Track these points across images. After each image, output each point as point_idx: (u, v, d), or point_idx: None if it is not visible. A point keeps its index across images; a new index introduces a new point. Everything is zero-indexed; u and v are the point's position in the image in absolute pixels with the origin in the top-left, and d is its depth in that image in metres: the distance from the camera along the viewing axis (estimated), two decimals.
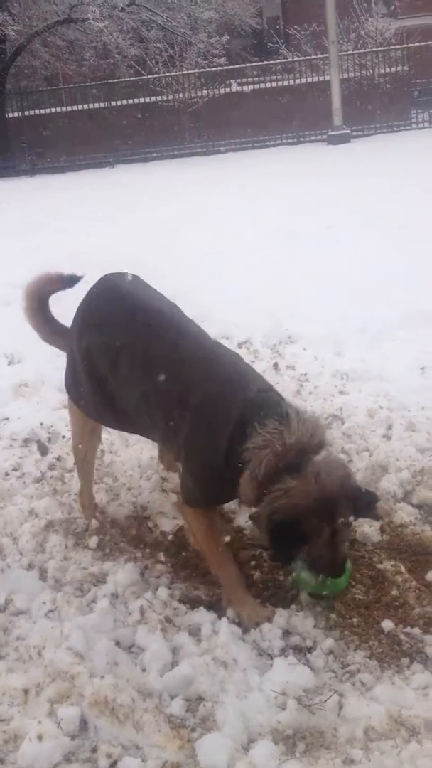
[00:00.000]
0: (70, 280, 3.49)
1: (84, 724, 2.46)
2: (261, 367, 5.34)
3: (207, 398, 2.90)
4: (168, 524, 3.54)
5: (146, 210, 13.31)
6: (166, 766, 2.29)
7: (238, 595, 2.95)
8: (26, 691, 2.57)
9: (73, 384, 3.39)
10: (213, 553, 3.04)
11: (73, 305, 3.40)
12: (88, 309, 3.30)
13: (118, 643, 2.78)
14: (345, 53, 25.22)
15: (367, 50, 26.14)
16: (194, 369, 2.97)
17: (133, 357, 3.06)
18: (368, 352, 5.38)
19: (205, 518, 3.03)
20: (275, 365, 5.35)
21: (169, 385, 2.96)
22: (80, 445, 3.53)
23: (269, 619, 2.86)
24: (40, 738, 2.35)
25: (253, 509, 2.84)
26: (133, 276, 3.40)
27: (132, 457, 4.11)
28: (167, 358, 3.01)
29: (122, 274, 3.38)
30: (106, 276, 3.37)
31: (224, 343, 5.82)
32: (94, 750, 2.38)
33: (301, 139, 24.67)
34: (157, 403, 3.01)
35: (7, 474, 4.08)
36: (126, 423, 3.31)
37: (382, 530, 3.41)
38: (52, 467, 4.07)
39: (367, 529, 3.38)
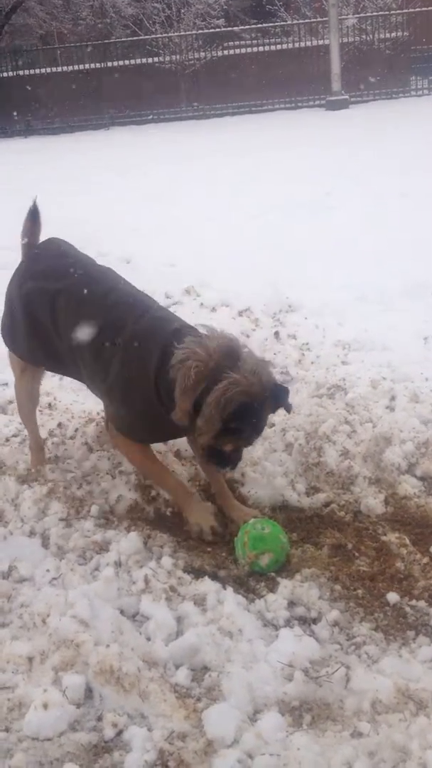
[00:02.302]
0: (33, 215, 3.74)
1: (89, 692, 2.45)
2: (262, 335, 5.31)
3: (135, 335, 3.16)
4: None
5: (141, 173, 13.12)
6: (172, 736, 2.28)
7: (186, 501, 3.29)
8: (31, 659, 2.56)
9: (10, 330, 3.64)
10: (153, 472, 3.37)
11: None
12: (32, 260, 3.62)
13: (122, 612, 2.76)
14: (345, 17, 24.78)
15: (367, 14, 25.70)
16: (123, 311, 3.27)
17: (68, 300, 3.35)
18: (370, 322, 5.33)
19: (137, 442, 3.31)
20: (276, 334, 5.31)
21: (100, 325, 3.23)
22: (21, 392, 3.77)
23: (214, 531, 3.20)
24: (45, 706, 2.34)
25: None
26: (71, 244, 3.76)
27: None
28: (100, 301, 3.31)
29: (61, 239, 3.75)
30: (50, 238, 3.73)
31: (224, 310, 5.88)
32: (100, 719, 2.38)
33: (299, 104, 24.30)
34: (89, 342, 3.24)
35: (7, 440, 4.04)
36: (58, 363, 3.56)
37: (386, 502, 3.40)
38: (52, 434, 4.03)
39: (371, 501, 3.38)
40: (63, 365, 3.56)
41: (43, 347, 3.50)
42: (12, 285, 3.61)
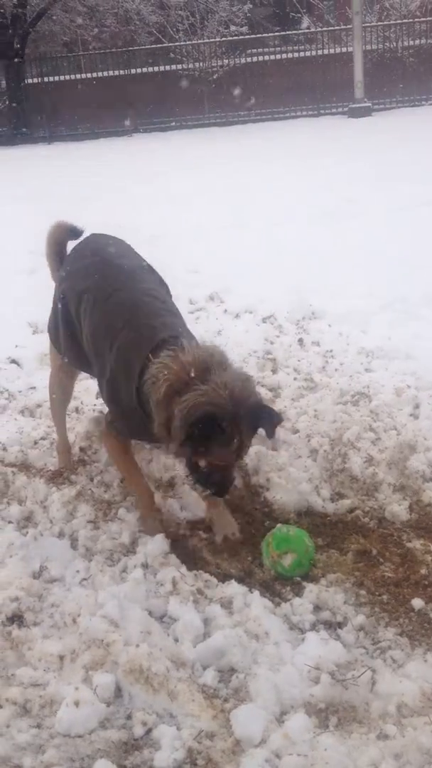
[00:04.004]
0: (75, 232, 3.90)
1: (118, 691, 2.50)
2: (286, 342, 5.35)
3: (124, 344, 3.18)
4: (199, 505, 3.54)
5: (165, 180, 13.21)
6: (201, 735, 2.33)
7: (143, 509, 3.38)
8: (62, 658, 2.62)
9: (53, 327, 3.75)
10: (127, 471, 3.48)
11: None
12: (68, 261, 3.76)
13: (150, 613, 2.81)
14: (368, 24, 24.79)
15: (391, 22, 25.71)
16: (118, 316, 3.25)
17: (88, 301, 3.41)
18: (394, 330, 5.35)
19: (118, 441, 3.41)
20: (300, 341, 5.34)
21: (102, 329, 3.30)
22: (55, 387, 3.90)
23: (158, 533, 3.21)
24: (76, 704, 2.39)
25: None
26: (116, 238, 3.80)
27: None
28: (103, 304, 3.34)
29: (104, 235, 3.81)
30: (90, 235, 3.82)
31: (248, 317, 5.92)
32: (129, 717, 2.43)
33: (322, 111, 24.32)
34: (95, 343, 3.34)
35: (35, 442, 4.11)
36: (85, 363, 3.57)
37: (410, 509, 3.42)
38: (80, 437, 4.09)
39: (396, 507, 3.40)
40: (88, 364, 3.54)
41: (73, 346, 3.59)
42: (55, 282, 3.79)
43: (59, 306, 3.64)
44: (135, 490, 3.49)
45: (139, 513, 3.41)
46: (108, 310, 3.31)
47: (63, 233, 3.91)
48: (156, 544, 3.15)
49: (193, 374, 2.87)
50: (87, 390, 4.56)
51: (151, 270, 3.66)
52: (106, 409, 3.74)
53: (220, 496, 3.14)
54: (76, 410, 4.39)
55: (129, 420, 3.22)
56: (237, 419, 2.83)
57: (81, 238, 3.86)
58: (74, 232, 3.90)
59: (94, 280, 3.45)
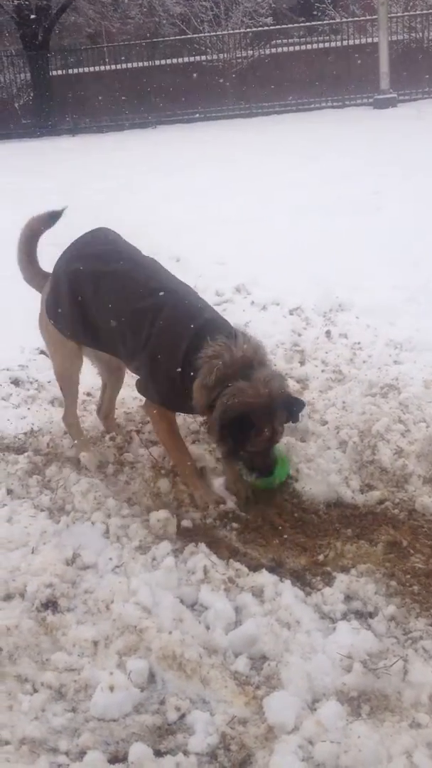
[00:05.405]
0: (53, 217, 4.04)
1: (152, 677, 2.54)
2: (313, 334, 5.35)
3: (171, 319, 3.44)
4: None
5: (189, 172, 13.21)
6: (233, 721, 2.35)
7: (193, 480, 3.55)
8: (95, 643, 2.66)
9: (53, 305, 3.84)
10: (173, 447, 3.63)
11: None
12: (82, 244, 3.88)
13: (182, 601, 2.84)
14: (394, 15, 24.59)
15: (417, 12, 25.47)
16: (165, 296, 3.52)
17: (113, 283, 3.61)
18: (422, 322, 5.32)
19: (168, 416, 3.60)
20: (328, 333, 5.34)
21: (143, 307, 3.48)
22: (65, 378, 4.00)
23: (217, 502, 3.46)
24: (111, 688, 2.43)
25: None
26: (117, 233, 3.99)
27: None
28: (144, 285, 3.56)
29: (109, 229, 3.97)
30: (99, 227, 3.96)
31: (275, 309, 5.93)
32: (162, 702, 2.46)
33: (347, 102, 24.17)
34: (130, 321, 3.51)
35: (65, 432, 4.14)
36: (94, 339, 3.78)
37: None
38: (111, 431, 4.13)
39: (426, 499, 3.40)
40: (98, 340, 3.77)
41: (82, 322, 3.72)
42: (60, 265, 3.84)
43: (66, 285, 3.73)
44: (179, 464, 3.61)
45: (189, 486, 3.54)
46: (150, 291, 3.53)
47: (33, 227, 4.02)
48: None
49: (238, 368, 3.21)
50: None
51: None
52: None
53: (265, 476, 3.44)
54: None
55: (169, 390, 3.44)
56: (271, 412, 3.22)
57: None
58: (51, 218, 4.04)
59: (119, 266, 3.65)
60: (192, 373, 3.29)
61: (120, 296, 3.57)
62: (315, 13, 27.89)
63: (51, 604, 2.85)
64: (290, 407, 3.32)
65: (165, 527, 3.28)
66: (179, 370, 3.35)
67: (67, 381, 4.00)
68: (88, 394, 4.49)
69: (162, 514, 3.32)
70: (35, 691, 2.51)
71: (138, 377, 3.64)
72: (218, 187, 11.44)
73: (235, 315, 5.78)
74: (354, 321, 5.54)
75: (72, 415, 4.05)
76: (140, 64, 26.29)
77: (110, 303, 3.59)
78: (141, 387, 3.61)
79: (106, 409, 4.19)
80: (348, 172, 11.52)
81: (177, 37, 27.59)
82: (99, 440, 4.08)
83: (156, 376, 3.48)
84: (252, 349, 3.31)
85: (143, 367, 3.53)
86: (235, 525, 3.33)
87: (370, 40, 24.50)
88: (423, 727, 2.28)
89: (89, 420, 4.27)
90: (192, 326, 3.38)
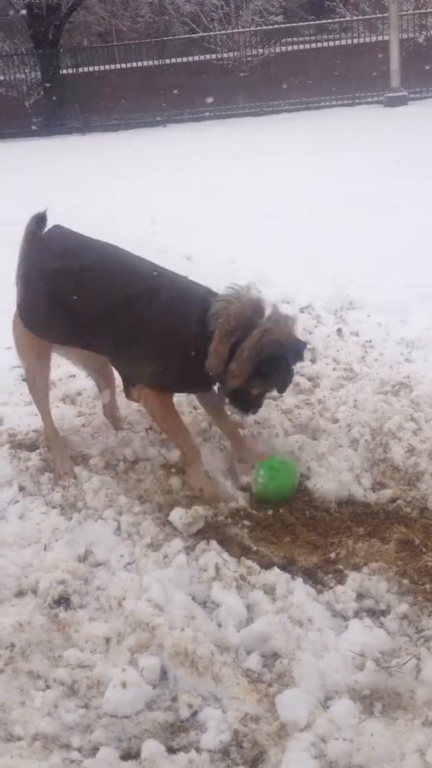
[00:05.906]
0: (39, 221, 3.73)
1: (164, 673, 2.53)
2: (324, 332, 5.34)
3: (176, 294, 3.50)
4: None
5: (199, 170, 13.23)
6: (246, 718, 2.35)
7: (194, 468, 3.54)
8: (108, 640, 2.66)
9: (28, 311, 3.67)
10: (173, 429, 3.62)
11: None
12: (46, 243, 3.67)
13: (193, 598, 2.84)
14: (404, 13, 24.52)
15: (428, 10, 25.39)
16: (159, 276, 3.56)
17: (97, 273, 3.54)
18: None
19: (164, 397, 3.57)
20: (339, 331, 5.33)
21: (137, 292, 3.46)
22: (37, 379, 3.82)
23: (212, 492, 3.46)
24: (123, 685, 2.43)
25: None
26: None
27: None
28: (132, 271, 3.57)
29: (64, 226, 3.81)
30: (55, 225, 3.77)
31: (285, 307, 5.90)
32: (174, 699, 2.46)
33: (357, 100, 24.15)
34: (123, 310, 3.45)
35: (77, 430, 4.15)
36: (80, 338, 3.65)
37: None
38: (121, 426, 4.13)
39: None
40: (85, 339, 3.64)
41: (65, 323, 3.57)
42: (28, 269, 3.65)
43: (42, 287, 3.56)
44: (180, 446, 3.60)
45: (187, 468, 3.54)
46: (139, 277, 3.54)
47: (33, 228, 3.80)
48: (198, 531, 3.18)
49: (251, 313, 3.34)
50: None
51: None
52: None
53: (253, 414, 3.69)
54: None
55: (182, 365, 3.43)
56: (298, 351, 3.41)
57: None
58: (40, 221, 3.75)
59: (95, 256, 3.61)
60: (208, 330, 3.34)
61: (108, 285, 3.50)
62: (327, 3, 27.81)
63: (63, 601, 2.85)
64: (299, 348, 3.45)
65: (190, 525, 3.26)
66: (192, 338, 3.38)
67: (35, 387, 3.84)
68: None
69: (190, 511, 3.30)
70: (48, 687, 2.51)
71: (125, 366, 3.64)
72: (229, 185, 11.45)
73: None
74: (365, 319, 5.53)
75: (49, 426, 3.86)
76: (150, 62, 26.35)
77: (98, 294, 3.49)
78: (135, 372, 3.58)
79: (109, 406, 4.14)
80: (359, 171, 11.52)
81: (187, 36, 27.62)
82: (110, 437, 4.07)
83: (166, 354, 3.42)
84: (255, 296, 3.46)
85: (145, 349, 3.44)
86: (246, 522, 3.32)
87: (380, 38, 24.52)
88: None
89: (97, 420, 4.26)
90: (196, 297, 3.47)
